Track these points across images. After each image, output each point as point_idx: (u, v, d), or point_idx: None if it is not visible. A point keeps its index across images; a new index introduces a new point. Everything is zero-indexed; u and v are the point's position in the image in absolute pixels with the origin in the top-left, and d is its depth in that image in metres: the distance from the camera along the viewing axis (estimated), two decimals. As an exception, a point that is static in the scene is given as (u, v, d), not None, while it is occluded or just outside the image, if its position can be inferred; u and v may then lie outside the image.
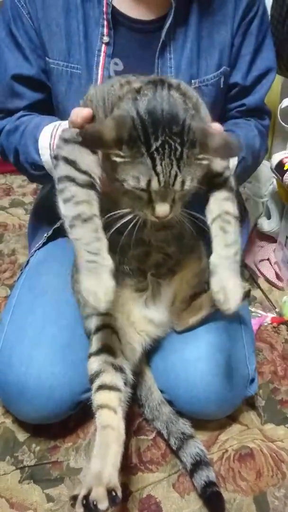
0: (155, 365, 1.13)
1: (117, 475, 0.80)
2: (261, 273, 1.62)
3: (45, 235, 1.23)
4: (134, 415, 1.15)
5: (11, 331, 1.07)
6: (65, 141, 0.84)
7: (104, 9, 1.02)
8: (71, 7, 1.05)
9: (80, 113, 0.83)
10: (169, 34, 1.04)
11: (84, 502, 0.75)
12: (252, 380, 1.12)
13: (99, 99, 0.83)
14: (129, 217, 0.79)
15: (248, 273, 1.63)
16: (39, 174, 1.07)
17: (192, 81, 1.08)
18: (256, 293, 1.58)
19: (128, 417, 1.12)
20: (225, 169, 0.87)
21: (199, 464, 1.02)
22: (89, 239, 0.75)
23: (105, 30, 1.05)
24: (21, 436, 1.11)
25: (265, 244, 1.71)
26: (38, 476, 1.04)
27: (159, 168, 0.72)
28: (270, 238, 1.71)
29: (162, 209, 0.76)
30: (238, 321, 1.13)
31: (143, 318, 1.03)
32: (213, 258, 0.80)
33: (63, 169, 0.80)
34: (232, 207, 0.84)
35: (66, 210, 0.77)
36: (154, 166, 0.72)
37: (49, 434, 1.11)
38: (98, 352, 0.94)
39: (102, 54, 1.06)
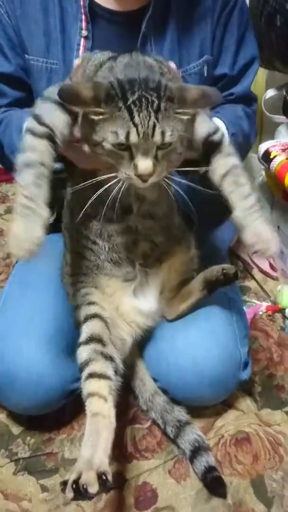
0: (147, 355, 1.13)
1: (107, 461, 0.79)
2: (256, 264, 1.62)
3: None
4: (129, 405, 1.14)
5: (1, 324, 1.07)
6: (43, 99, 0.83)
7: (82, 2, 1.04)
8: (49, 4, 1.06)
9: None
10: (149, 25, 1.05)
11: (74, 486, 0.74)
12: (246, 364, 1.11)
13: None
14: (113, 181, 0.79)
15: (242, 265, 1.63)
16: None
17: None
18: (250, 283, 1.57)
19: (123, 407, 1.13)
20: (216, 130, 0.87)
21: (198, 450, 1.01)
22: (27, 183, 0.73)
23: (84, 24, 1.06)
24: (16, 429, 1.11)
25: (258, 237, 1.71)
26: (33, 467, 1.03)
27: (137, 119, 0.72)
28: (263, 230, 1.71)
29: (144, 165, 0.75)
30: (228, 305, 1.12)
31: (132, 308, 1.03)
32: (237, 213, 0.81)
33: (27, 123, 0.80)
34: (237, 161, 0.85)
35: (18, 158, 0.76)
36: (132, 118, 0.72)
37: (44, 427, 1.11)
38: (88, 341, 0.93)
39: (81, 48, 1.08)
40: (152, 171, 0.76)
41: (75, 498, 0.74)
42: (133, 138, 0.74)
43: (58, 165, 0.95)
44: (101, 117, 0.75)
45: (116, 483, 1.00)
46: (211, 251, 1.21)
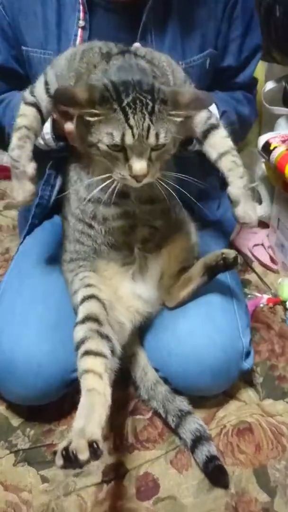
0: (148, 344, 1.12)
1: (100, 433, 0.75)
2: (256, 258, 1.61)
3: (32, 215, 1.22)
4: (130, 397, 1.13)
5: (0, 314, 1.06)
6: (48, 69, 0.90)
7: None
8: None
9: None
10: (150, 16, 1.04)
11: (64, 453, 0.71)
12: (248, 354, 1.10)
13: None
14: (107, 181, 0.81)
15: (242, 259, 1.62)
16: None
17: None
18: (251, 276, 1.56)
19: (123, 398, 1.12)
20: (211, 114, 0.92)
21: (199, 439, 1.00)
22: (13, 146, 0.83)
23: (81, 15, 1.06)
24: (15, 421, 1.10)
25: (258, 230, 1.70)
26: (33, 458, 1.02)
27: (132, 121, 0.74)
28: (262, 223, 1.70)
29: (139, 166, 0.77)
30: (229, 294, 1.12)
31: (131, 293, 1.02)
32: (233, 190, 0.90)
33: (24, 92, 0.89)
34: (233, 144, 0.92)
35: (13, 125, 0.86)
36: (127, 120, 0.74)
37: (44, 418, 1.10)
38: (84, 320, 0.92)
39: (79, 38, 1.07)
40: (146, 172, 0.79)
41: (64, 466, 0.71)
42: (128, 139, 0.75)
43: (61, 143, 0.98)
44: (96, 118, 0.76)
45: (117, 473, 0.99)
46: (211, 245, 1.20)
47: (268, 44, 1.40)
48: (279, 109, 1.51)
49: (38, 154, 1.01)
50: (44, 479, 0.98)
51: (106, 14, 1.07)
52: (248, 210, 0.90)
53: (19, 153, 0.82)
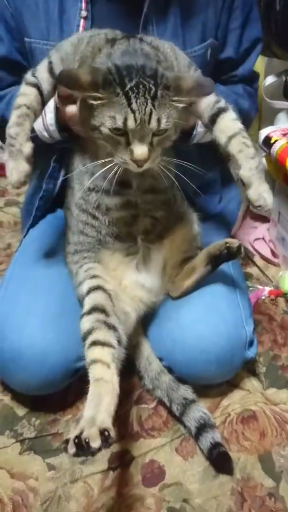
0: (152, 334, 1.13)
1: (110, 421, 0.77)
2: (257, 251, 1.62)
3: (38, 213, 1.24)
4: (135, 386, 1.14)
5: (4, 303, 1.07)
6: (52, 52, 0.92)
7: None
8: None
9: None
10: (151, 6, 1.05)
11: (76, 441, 0.72)
12: (251, 343, 1.11)
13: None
14: (109, 165, 0.82)
15: (243, 252, 1.63)
16: None
17: None
18: (252, 270, 1.58)
19: (128, 388, 1.13)
20: (219, 98, 0.92)
21: (203, 427, 1.01)
22: (11, 123, 0.82)
23: (83, 5, 1.07)
24: (20, 411, 1.10)
25: (259, 225, 1.72)
26: (39, 447, 1.02)
27: (134, 105, 0.75)
28: (263, 218, 1.71)
29: (140, 150, 0.78)
30: (232, 284, 1.12)
31: (135, 282, 1.03)
32: (244, 172, 0.87)
33: (26, 74, 0.90)
34: (242, 126, 0.90)
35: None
36: (129, 104, 0.75)
37: (49, 408, 1.10)
38: (90, 311, 0.93)
39: (81, 29, 1.08)
40: (147, 156, 0.79)
41: (77, 454, 0.72)
42: (131, 123, 0.76)
43: (65, 133, 0.99)
44: (99, 102, 0.77)
45: (123, 461, 0.99)
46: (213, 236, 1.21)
47: (268, 38, 1.41)
48: (279, 103, 1.53)
49: (42, 147, 1.03)
50: (50, 467, 0.98)
51: (107, 4, 1.07)
52: (263, 192, 0.87)
53: (17, 130, 0.82)
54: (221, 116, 0.90)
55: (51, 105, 0.96)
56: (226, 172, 1.29)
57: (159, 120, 0.77)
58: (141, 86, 0.75)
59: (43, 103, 0.88)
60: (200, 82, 0.81)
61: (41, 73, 0.88)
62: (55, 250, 1.13)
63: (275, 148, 1.41)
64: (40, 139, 1.03)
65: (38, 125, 1.01)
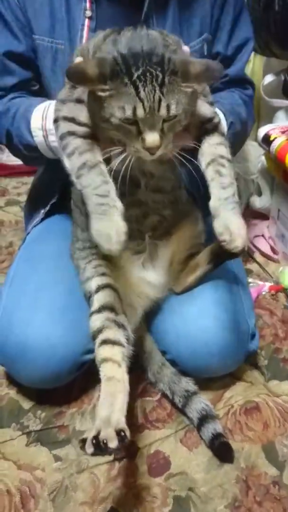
0: (155, 328, 1.14)
1: (124, 420, 0.80)
2: (257, 248, 1.64)
3: (43, 210, 1.25)
4: (139, 380, 1.15)
5: (10, 299, 1.08)
6: (62, 101, 0.88)
7: None
8: None
9: None
10: (151, 4, 1.08)
11: (94, 441, 0.76)
12: (253, 336, 1.13)
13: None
14: (123, 156, 0.81)
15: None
16: (33, 155, 1.10)
17: None
18: (252, 266, 1.60)
19: (132, 381, 1.12)
20: (214, 114, 0.91)
21: (205, 418, 1.02)
22: (97, 183, 0.78)
23: (88, 5, 1.09)
24: (26, 404, 1.11)
25: (259, 222, 1.74)
26: (45, 439, 1.03)
27: (142, 94, 0.74)
28: (262, 215, 1.73)
29: (151, 138, 0.77)
30: (234, 278, 1.14)
31: (141, 280, 1.04)
32: (212, 202, 0.83)
33: (63, 127, 0.85)
34: (225, 151, 0.88)
35: (71, 163, 0.82)
36: (137, 93, 0.74)
37: (54, 401, 1.11)
38: (100, 309, 0.95)
39: (86, 28, 1.10)
40: (159, 143, 0.78)
41: (94, 453, 0.76)
42: (140, 112, 0.75)
43: None
44: (107, 93, 0.76)
45: (128, 452, 1.01)
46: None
47: (268, 38, 1.44)
48: (278, 101, 1.55)
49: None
50: (57, 458, 0.99)
51: (111, 4, 1.09)
52: (230, 225, 0.80)
53: (107, 188, 0.78)
54: (206, 138, 0.88)
55: (52, 127, 0.94)
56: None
57: (168, 107, 0.76)
58: (148, 74, 0.74)
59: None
60: (208, 66, 0.77)
61: (84, 114, 0.85)
62: (60, 245, 1.14)
63: (275, 145, 1.43)
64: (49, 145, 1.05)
65: (41, 145, 1.04)
